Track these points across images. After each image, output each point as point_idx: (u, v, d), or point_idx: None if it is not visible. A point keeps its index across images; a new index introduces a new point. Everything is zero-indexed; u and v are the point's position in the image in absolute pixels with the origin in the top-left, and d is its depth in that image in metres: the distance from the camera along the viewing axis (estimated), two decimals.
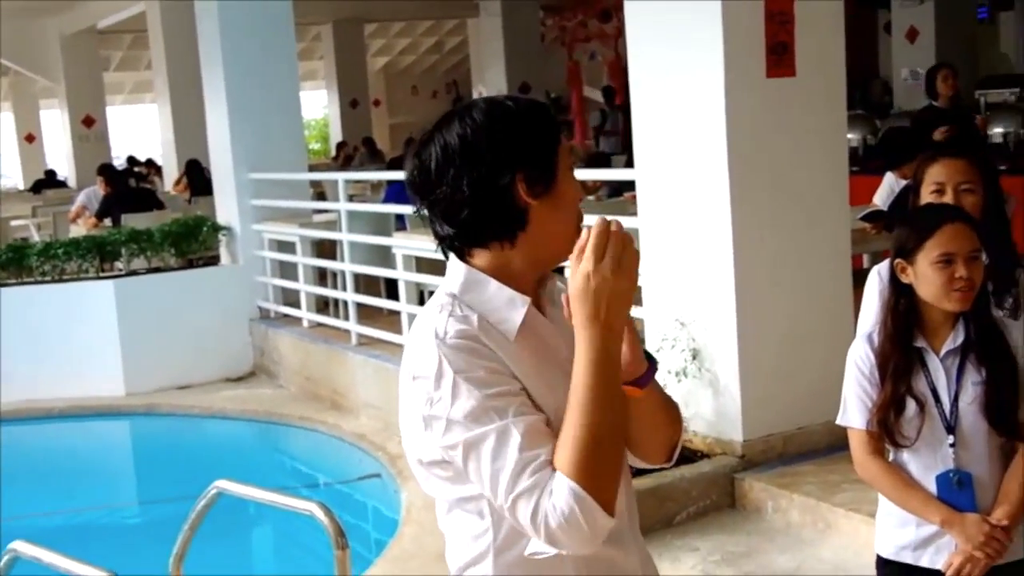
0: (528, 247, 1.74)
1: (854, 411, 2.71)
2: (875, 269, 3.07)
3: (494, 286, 1.73)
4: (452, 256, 1.78)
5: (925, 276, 2.59)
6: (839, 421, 2.77)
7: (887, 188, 6.61)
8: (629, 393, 1.70)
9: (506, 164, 1.70)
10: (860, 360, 2.70)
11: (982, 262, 2.59)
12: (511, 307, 1.73)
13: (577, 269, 1.63)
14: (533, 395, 1.69)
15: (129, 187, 12.01)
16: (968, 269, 2.55)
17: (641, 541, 1.87)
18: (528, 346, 1.73)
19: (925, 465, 2.65)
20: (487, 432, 1.62)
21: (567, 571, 1.71)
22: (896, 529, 2.73)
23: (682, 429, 1.88)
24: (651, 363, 1.77)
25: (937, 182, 3.06)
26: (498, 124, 1.71)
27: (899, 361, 2.62)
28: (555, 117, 1.79)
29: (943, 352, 2.62)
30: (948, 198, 2.99)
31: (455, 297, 1.74)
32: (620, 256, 1.61)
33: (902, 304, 2.65)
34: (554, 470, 1.59)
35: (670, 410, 1.84)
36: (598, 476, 1.57)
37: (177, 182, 14.43)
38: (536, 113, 1.75)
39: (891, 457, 2.72)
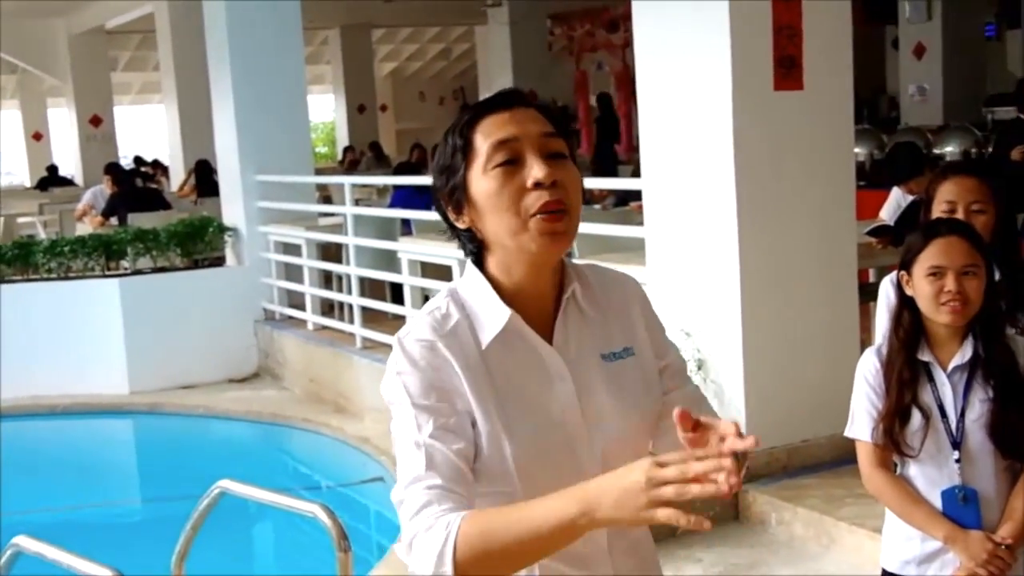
0: (497, 255, 1.75)
1: (861, 423, 2.72)
2: (886, 279, 3.08)
3: (484, 290, 1.74)
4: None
5: (919, 288, 2.62)
6: (847, 433, 2.78)
7: (894, 203, 6.62)
8: None
9: (435, 192, 1.78)
10: (868, 372, 2.72)
11: (980, 278, 2.60)
12: (493, 315, 1.72)
13: (650, 472, 1.46)
14: (480, 412, 1.68)
15: (136, 186, 12.03)
16: (958, 283, 2.57)
17: (634, 562, 1.81)
18: (504, 359, 1.72)
19: (931, 480, 2.65)
20: (407, 435, 1.67)
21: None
22: (901, 543, 2.73)
23: None
24: None
25: (948, 200, 3.09)
26: (436, 154, 1.80)
27: (903, 371, 2.64)
28: (466, 124, 1.73)
29: (951, 367, 2.63)
30: (959, 216, 3.01)
31: (453, 293, 1.77)
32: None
33: (906, 315, 2.67)
34: (448, 497, 1.60)
35: None
36: (478, 571, 1.54)
37: (183, 185, 14.43)
38: (448, 134, 1.76)
39: (898, 471, 2.73)
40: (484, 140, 1.70)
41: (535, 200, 1.67)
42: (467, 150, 1.72)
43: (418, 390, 1.68)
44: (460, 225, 1.76)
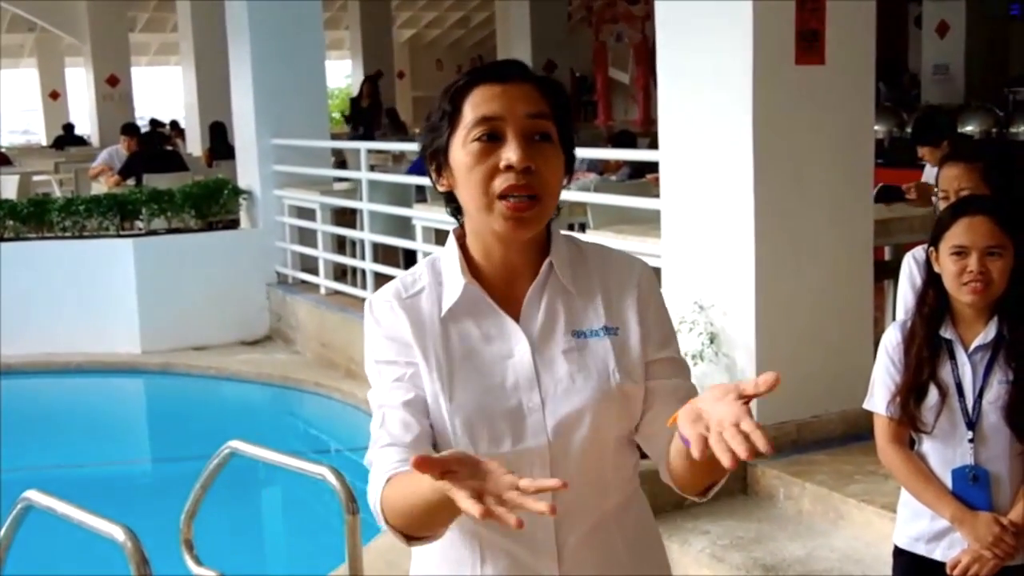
0: (469, 225, 1.78)
1: (879, 396, 2.70)
2: (909, 255, 3.08)
3: (451, 258, 1.78)
4: None
5: (944, 266, 2.61)
6: (865, 405, 2.77)
7: (927, 177, 6.68)
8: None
9: (422, 151, 1.80)
10: (890, 346, 2.70)
11: (1006, 259, 2.57)
12: (454, 285, 1.76)
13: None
14: (426, 375, 1.72)
15: (153, 147, 12.03)
16: (981, 263, 2.55)
17: (591, 558, 1.77)
18: (461, 327, 1.74)
19: (944, 458, 2.64)
20: (373, 393, 1.77)
21: (464, 548, 1.76)
22: (911, 520, 2.73)
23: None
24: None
25: (943, 188, 3.15)
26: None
27: (923, 347, 2.62)
28: (459, 90, 1.73)
29: (973, 347, 2.61)
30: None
31: (433, 260, 1.82)
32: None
33: (931, 293, 2.65)
34: (394, 452, 1.67)
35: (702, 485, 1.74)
36: (402, 528, 1.62)
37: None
38: (444, 91, 1.75)
39: (915, 448, 2.72)
40: (471, 111, 1.70)
41: (504, 181, 1.67)
42: (454, 116, 1.72)
43: (378, 347, 1.76)
44: (440, 188, 1.78)
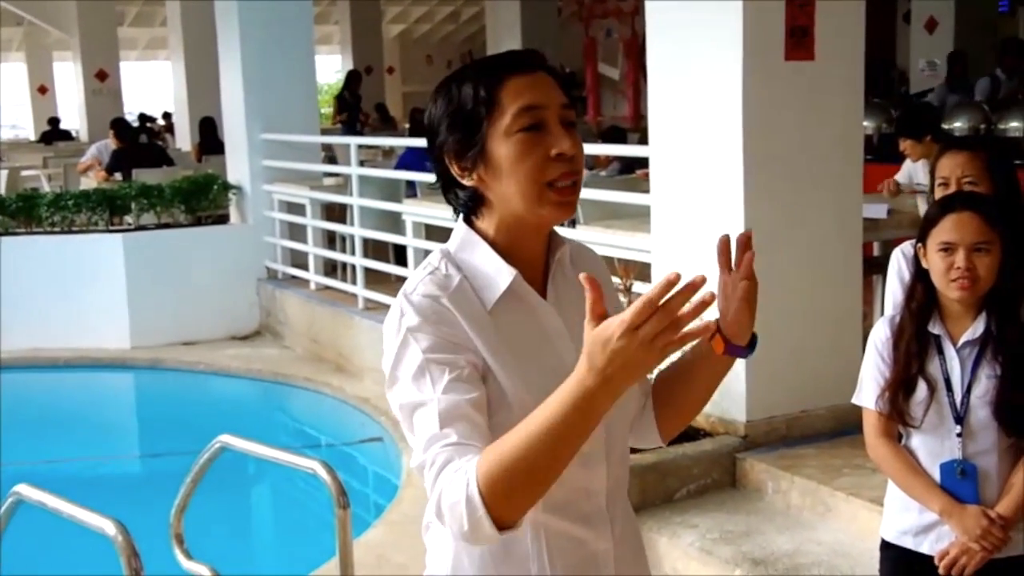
0: (496, 216, 1.74)
1: (868, 391, 2.72)
2: (897, 250, 3.09)
3: (484, 251, 1.74)
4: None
5: (932, 262, 2.62)
6: (854, 400, 2.78)
7: (904, 172, 6.71)
8: (715, 346, 1.80)
9: (439, 146, 1.74)
10: (879, 341, 2.72)
11: (993, 255, 2.58)
12: (497, 275, 1.72)
13: (611, 320, 1.45)
14: (497, 368, 1.67)
15: (140, 142, 12.01)
16: (968, 260, 2.56)
17: (628, 526, 1.85)
18: (509, 318, 1.72)
19: (932, 452, 2.66)
20: (419, 396, 1.63)
21: (527, 542, 1.73)
22: (899, 514, 2.75)
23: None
24: (752, 343, 1.82)
25: (943, 176, 3.11)
26: (436, 104, 1.75)
27: (912, 342, 2.64)
28: (492, 80, 1.69)
29: (961, 342, 2.63)
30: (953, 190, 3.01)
31: (448, 255, 1.75)
32: (658, 334, 1.44)
33: (919, 288, 2.67)
34: (467, 450, 1.56)
35: (708, 396, 1.95)
36: (507, 498, 1.51)
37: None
38: (463, 85, 1.71)
39: (903, 442, 2.73)
40: (511, 102, 1.68)
41: (556, 170, 1.69)
42: (491, 108, 1.69)
43: (430, 344, 1.65)
44: (466, 182, 1.73)
